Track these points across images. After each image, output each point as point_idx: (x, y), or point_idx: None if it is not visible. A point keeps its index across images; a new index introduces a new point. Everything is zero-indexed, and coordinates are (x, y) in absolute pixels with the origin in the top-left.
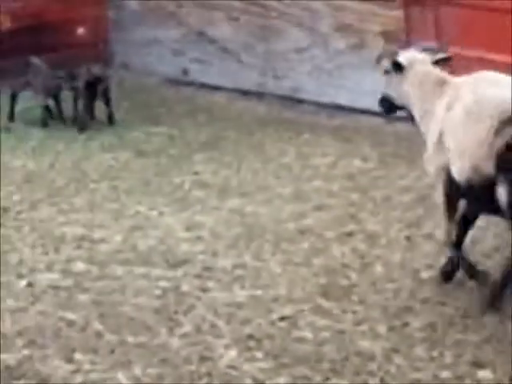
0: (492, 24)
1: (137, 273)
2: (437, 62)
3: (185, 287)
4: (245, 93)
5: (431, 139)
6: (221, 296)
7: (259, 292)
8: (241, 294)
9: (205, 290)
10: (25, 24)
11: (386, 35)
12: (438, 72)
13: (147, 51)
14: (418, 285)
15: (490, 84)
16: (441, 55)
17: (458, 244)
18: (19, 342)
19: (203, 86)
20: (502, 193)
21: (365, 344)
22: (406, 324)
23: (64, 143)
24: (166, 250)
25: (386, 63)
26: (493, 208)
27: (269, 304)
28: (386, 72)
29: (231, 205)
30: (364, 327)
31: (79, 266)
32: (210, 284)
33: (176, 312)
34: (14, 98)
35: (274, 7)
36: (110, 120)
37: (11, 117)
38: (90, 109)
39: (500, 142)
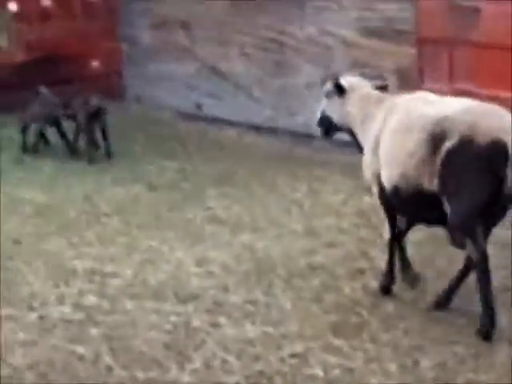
0: (505, 62)
1: (147, 307)
2: (377, 88)
3: (195, 322)
4: (257, 128)
5: (367, 148)
6: (231, 332)
7: (270, 328)
8: (251, 330)
9: (215, 325)
10: (39, 56)
11: (400, 72)
12: (377, 93)
13: (160, 85)
14: (428, 323)
15: (424, 102)
16: (379, 82)
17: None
18: (29, 375)
19: (216, 120)
20: (446, 208)
21: (375, 382)
22: (416, 362)
23: (76, 176)
24: (177, 285)
25: (328, 86)
26: (420, 215)
27: (279, 340)
28: (328, 94)
29: (243, 240)
30: (374, 365)
31: (90, 299)
32: (221, 319)
33: (186, 347)
34: (24, 130)
35: (288, 43)
36: (108, 153)
37: (23, 149)
38: (91, 140)
39: (440, 158)
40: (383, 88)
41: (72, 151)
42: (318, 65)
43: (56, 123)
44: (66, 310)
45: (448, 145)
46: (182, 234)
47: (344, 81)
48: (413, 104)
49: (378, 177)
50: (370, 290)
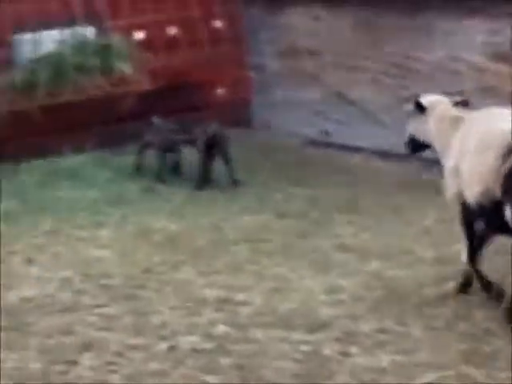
0: None
1: (277, 336)
2: (456, 104)
3: (326, 351)
4: (385, 154)
5: (448, 168)
6: (362, 361)
7: (401, 357)
8: (383, 359)
9: (346, 354)
10: (165, 84)
11: None
12: (455, 111)
13: (288, 112)
14: None
15: (497, 118)
16: (459, 98)
17: (472, 260)
18: None
19: (343, 147)
20: (508, 214)
21: None
22: None
23: (204, 204)
24: (307, 313)
25: (409, 105)
26: (503, 228)
27: (412, 369)
28: (410, 114)
29: (372, 268)
30: None
31: (221, 328)
32: (352, 349)
33: (317, 377)
34: (161, 158)
35: (415, 69)
36: (234, 181)
37: (158, 177)
38: (206, 168)
39: (505, 167)
40: (463, 104)
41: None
42: (446, 90)
43: (175, 150)
44: (197, 339)
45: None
46: (310, 262)
47: (424, 99)
48: (490, 120)
49: (459, 197)
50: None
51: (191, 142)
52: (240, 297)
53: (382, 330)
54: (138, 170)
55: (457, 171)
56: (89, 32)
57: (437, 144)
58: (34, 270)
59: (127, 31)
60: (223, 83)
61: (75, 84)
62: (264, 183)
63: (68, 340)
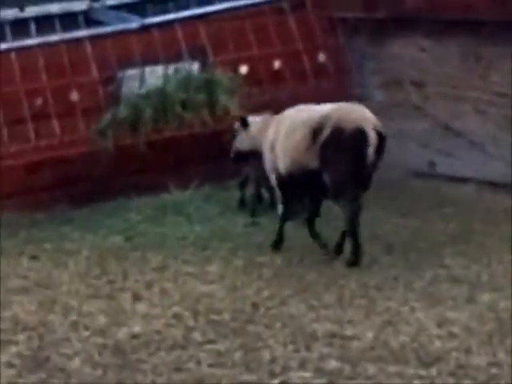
0: None
1: (390, 371)
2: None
3: None
4: (492, 184)
5: (266, 151)
6: None
7: None
8: None
9: None
10: None
11: None
12: (266, 117)
13: (392, 143)
14: None
15: (301, 110)
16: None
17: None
18: None
19: (450, 178)
20: (326, 179)
21: None
22: None
23: (309, 237)
24: (419, 347)
25: (237, 125)
26: (311, 192)
27: None
28: (238, 130)
29: (483, 300)
30: None
31: (332, 363)
32: (465, 383)
33: None
34: (243, 192)
35: None
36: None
37: (253, 211)
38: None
39: (319, 143)
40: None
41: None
42: None
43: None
44: (308, 374)
45: (323, 133)
46: (420, 294)
47: (248, 118)
48: (298, 112)
49: (276, 171)
50: None
51: None
52: (350, 331)
53: (495, 364)
54: (242, 204)
55: (273, 153)
56: (193, 67)
57: (261, 143)
58: (143, 307)
59: (232, 66)
60: None
61: (180, 119)
62: (371, 215)
63: (178, 377)
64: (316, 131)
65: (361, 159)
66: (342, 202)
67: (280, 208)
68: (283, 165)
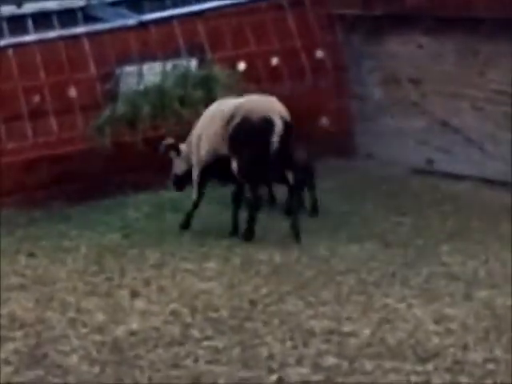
0: None
1: (387, 367)
2: None
3: (436, 381)
4: (490, 182)
5: (194, 148)
6: None
7: None
8: None
9: None
10: None
11: None
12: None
13: (391, 141)
14: None
15: (221, 103)
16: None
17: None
18: None
19: (447, 175)
20: (234, 165)
21: None
22: None
23: (309, 234)
24: (416, 344)
25: (172, 154)
26: (227, 178)
27: None
28: (172, 158)
29: (480, 296)
30: None
31: (329, 360)
32: (462, 378)
33: None
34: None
35: None
36: (314, 209)
37: (272, 201)
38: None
39: (229, 130)
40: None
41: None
42: None
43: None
44: (306, 371)
45: (234, 122)
46: (418, 291)
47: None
48: (215, 106)
49: (201, 164)
50: None
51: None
52: (348, 327)
53: (492, 360)
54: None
55: (198, 147)
56: (191, 64)
57: (193, 157)
58: (141, 304)
59: (230, 62)
60: (325, 113)
61: (178, 116)
62: (369, 212)
63: (176, 374)
64: (229, 121)
65: (266, 146)
66: (248, 186)
67: (194, 194)
68: (204, 152)
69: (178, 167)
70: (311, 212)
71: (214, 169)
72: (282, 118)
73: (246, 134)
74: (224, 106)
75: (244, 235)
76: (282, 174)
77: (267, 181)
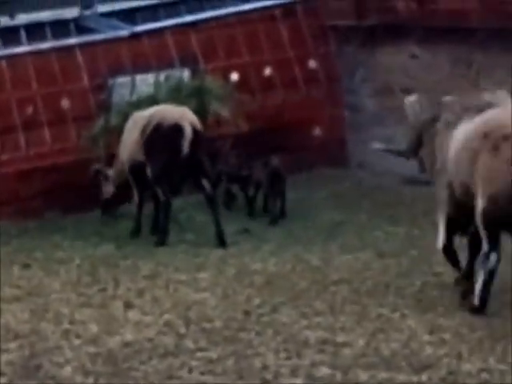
0: None
1: (381, 377)
2: None
3: None
4: None
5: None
6: None
7: None
8: None
9: None
10: (261, 126)
11: None
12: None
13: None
14: None
15: (143, 112)
16: None
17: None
18: None
19: None
20: (148, 171)
21: None
22: None
23: (303, 244)
24: (410, 354)
25: (101, 178)
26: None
27: None
28: (102, 183)
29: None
30: None
31: (323, 370)
32: None
33: None
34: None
35: None
36: (282, 213)
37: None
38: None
39: (144, 138)
40: None
41: (250, 212)
42: None
43: (242, 183)
44: (300, 381)
45: (148, 129)
46: (412, 301)
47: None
48: (137, 115)
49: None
50: None
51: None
52: (342, 338)
53: (486, 370)
54: (228, 207)
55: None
56: (184, 74)
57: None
58: (134, 315)
59: (223, 73)
60: (318, 123)
61: None
62: (363, 222)
63: None
64: (144, 129)
65: (176, 151)
66: (159, 190)
67: (136, 198)
68: (125, 158)
69: (106, 192)
70: (280, 215)
71: (137, 173)
72: (192, 125)
73: (158, 139)
74: (140, 116)
75: (159, 239)
76: (197, 181)
77: (178, 185)
